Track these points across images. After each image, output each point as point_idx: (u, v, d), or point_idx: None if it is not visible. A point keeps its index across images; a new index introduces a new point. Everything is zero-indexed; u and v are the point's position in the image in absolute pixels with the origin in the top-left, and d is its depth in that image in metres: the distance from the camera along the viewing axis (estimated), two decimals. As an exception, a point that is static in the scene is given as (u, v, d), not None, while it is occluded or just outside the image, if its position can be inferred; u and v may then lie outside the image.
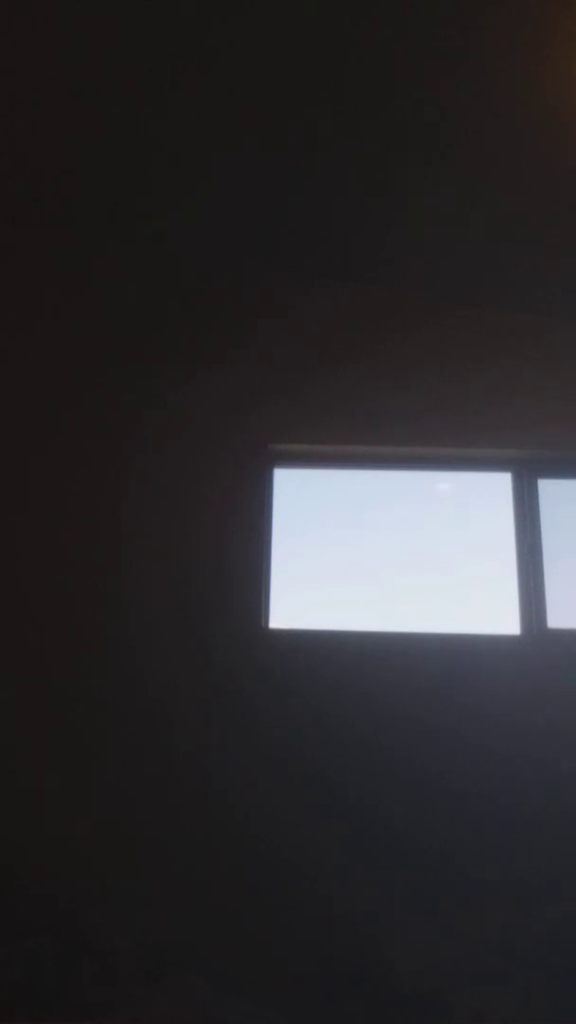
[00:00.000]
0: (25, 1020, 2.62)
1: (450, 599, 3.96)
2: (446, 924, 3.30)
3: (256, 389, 4.05)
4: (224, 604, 3.78)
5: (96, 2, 2.91)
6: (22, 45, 3.13)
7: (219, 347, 4.10)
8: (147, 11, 2.92)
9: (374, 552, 4.03)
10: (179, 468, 3.95)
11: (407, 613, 3.94)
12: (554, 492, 4.12)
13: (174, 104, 3.31)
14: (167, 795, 3.57)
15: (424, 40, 2.87)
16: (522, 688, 3.70)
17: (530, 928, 3.15)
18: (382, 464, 4.13)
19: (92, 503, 3.90)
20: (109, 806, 3.56)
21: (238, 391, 4.05)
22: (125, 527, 3.88)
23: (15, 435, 3.99)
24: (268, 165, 3.55)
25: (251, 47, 3.01)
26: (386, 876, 3.49)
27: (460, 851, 3.52)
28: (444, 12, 2.75)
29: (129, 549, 3.85)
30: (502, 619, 3.93)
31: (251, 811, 3.56)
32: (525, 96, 3.03)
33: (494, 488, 4.13)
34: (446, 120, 3.18)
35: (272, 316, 4.14)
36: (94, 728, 3.65)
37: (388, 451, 4.08)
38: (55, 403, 4.03)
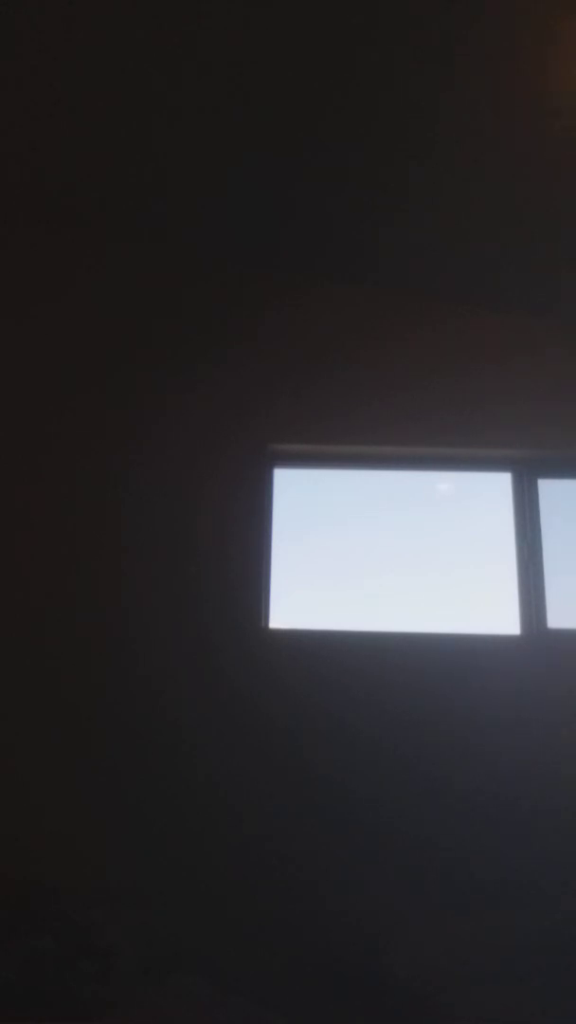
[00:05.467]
0: (25, 1020, 2.62)
1: (450, 599, 3.97)
2: (446, 924, 3.30)
3: (256, 389, 4.05)
4: (224, 604, 3.79)
5: (101, 4, 2.92)
6: (24, 47, 3.14)
7: (219, 347, 4.10)
8: (148, 12, 2.93)
9: (374, 552, 4.03)
10: (179, 468, 3.95)
11: (407, 613, 3.94)
12: (554, 492, 4.12)
13: (174, 104, 3.32)
14: (167, 795, 3.57)
15: (424, 40, 2.87)
16: (522, 688, 3.70)
17: (530, 928, 3.15)
18: (382, 464, 4.13)
19: (92, 503, 3.91)
20: (109, 806, 3.56)
21: (238, 391, 4.05)
22: (125, 527, 3.88)
23: (14, 435, 3.99)
24: (268, 165, 3.55)
25: (251, 47, 3.01)
26: (386, 876, 3.49)
27: (460, 850, 3.52)
28: (444, 12, 2.75)
29: (129, 549, 3.85)
30: (502, 619, 3.93)
31: (251, 811, 3.56)
32: (525, 95, 3.03)
33: (494, 488, 4.13)
34: (446, 120, 3.19)
35: (272, 316, 4.15)
36: (94, 727, 3.65)
37: (388, 451, 4.08)
38: (55, 403, 4.03)
